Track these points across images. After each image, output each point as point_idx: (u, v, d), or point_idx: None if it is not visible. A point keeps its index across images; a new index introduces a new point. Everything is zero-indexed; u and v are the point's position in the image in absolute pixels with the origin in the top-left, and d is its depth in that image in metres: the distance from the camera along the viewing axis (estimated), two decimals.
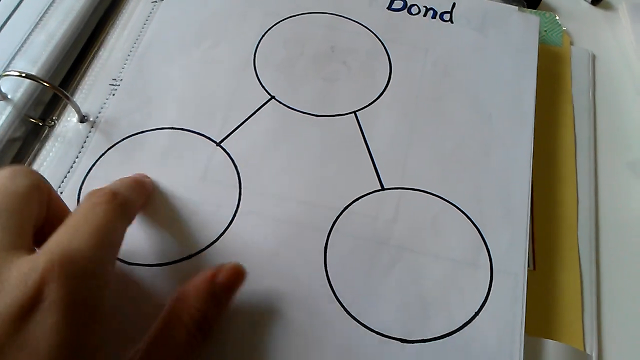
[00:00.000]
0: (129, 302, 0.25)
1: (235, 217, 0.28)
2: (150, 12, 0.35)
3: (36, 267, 0.16)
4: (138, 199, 0.25)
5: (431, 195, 0.29)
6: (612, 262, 0.30)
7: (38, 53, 0.32)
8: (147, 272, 0.26)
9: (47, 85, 0.29)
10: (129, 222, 0.23)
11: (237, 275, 0.24)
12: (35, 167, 0.29)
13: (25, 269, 0.16)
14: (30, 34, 0.32)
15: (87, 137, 0.30)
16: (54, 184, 0.28)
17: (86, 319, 0.17)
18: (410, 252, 0.27)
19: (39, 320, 0.15)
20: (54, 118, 0.31)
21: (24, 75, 0.28)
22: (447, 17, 0.36)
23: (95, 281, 0.17)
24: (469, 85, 0.33)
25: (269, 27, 0.35)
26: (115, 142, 0.30)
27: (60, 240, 0.18)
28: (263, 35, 0.35)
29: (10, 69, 0.31)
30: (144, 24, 0.34)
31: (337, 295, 0.26)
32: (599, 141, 0.34)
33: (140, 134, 0.30)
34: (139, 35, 0.34)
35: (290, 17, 0.35)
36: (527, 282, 0.27)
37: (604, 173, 0.33)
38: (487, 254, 0.27)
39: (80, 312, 0.16)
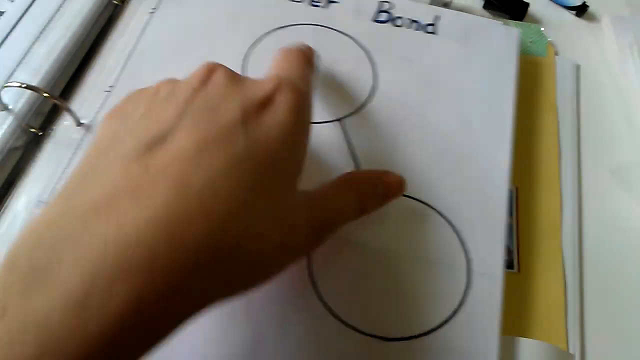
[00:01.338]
0: None
1: None
2: (146, 22, 0.37)
3: (270, 80, 0.22)
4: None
5: (412, 199, 0.31)
6: (595, 264, 0.31)
7: (39, 64, 0.34)
8: None
9: (47, 95, 0.31)
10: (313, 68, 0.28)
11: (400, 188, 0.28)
12: (32, 172, 0.31)
13: (262, 81, 0.22)
14: (31, 46, 0.35)
15: (82, 139, 0.32)
16: (48, 184, 0.30)
17: (303, 125, 0.22)
18: (390, 253, 0.29)
19: (272, 111, 0.20)
20: (53, 128, 0.33)
21: (24, 86, 0.31)
22: (431, 29, 0.38)
23: (310, 102, 0.23)
24: (452, 95, 0.35)
25: (257, 38, 0.37)
26: None
27: (279, 73, 0.24)
28: (252, 46, 0.37)
29: (11, 80, 0.33)
30: (140, 33, 0.37)
31: (321, 294, 0.27)
32: (583, 148, 0.36)
33: None
34: (134, 44, 0.36)
35: (279, 28, 0.38)
36: (512, 284, 0.28)
37: (587, 179, 0.35)
38: (465, 256, 0.29)
39: (301, 118, 0.21)
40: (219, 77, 0.22)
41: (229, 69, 0.23)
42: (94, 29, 0.37)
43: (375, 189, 0.27)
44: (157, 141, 0.18)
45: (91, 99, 0.34)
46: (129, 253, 0.15)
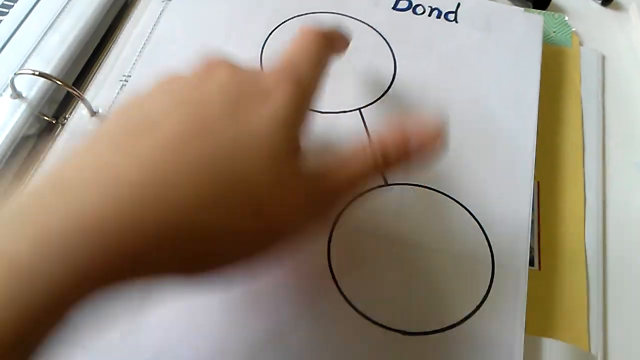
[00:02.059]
0: None
1: None
2: (160, 12, 0.37)
3: (272, 74, 0.23)
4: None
5: (433, 191, 0.30)
6: (619, 262, 0.31)
7: (52, 53, 0.34)
8: None
9: (60, 83, 0.31)
10: (334, 51, 0.28)
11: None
12: (46, 163, 0.31)
13: (262, 74, 0.23)
14: (44, 34, 0.35)
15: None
16: None
17: (299, 119, 0.22)
18: (413, 246, 0.29)
19: (268, 106, 0.21)
20: (66, 116, 0.33)
21: (37, 73, 0.31)
22: (451, 17, 0.38)
23: (310, 94, 0.24)
24: (473, 84, 0.35)
25: (275, 27, 0.37)
26: None
27: (289, 59, 0.24)
28: (270, 34, 0.36)
29: (24, 68, 0.33)
30: (154, 23, 0.37)
31: (340, 287, 0.27)
32: (608, 141, 0.35)
33: None
34: (149, 33, 0.36)
35: (296, 16, 0.37)
36: (533, 282, 0.28)
37: (612, 173, 0.34)
38: (489, 248, 0.29)
39: (297, 113, 0.22)
40: (218, 73, 0.22)
41: (229, 62, 0.23)
42: (107, 17, 0.37)
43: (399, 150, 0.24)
44: (146, 129, 0.19)
45: (106, 88, 0.34)
46: (98, 219, 0.17)
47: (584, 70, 0.38)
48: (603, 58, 0.39)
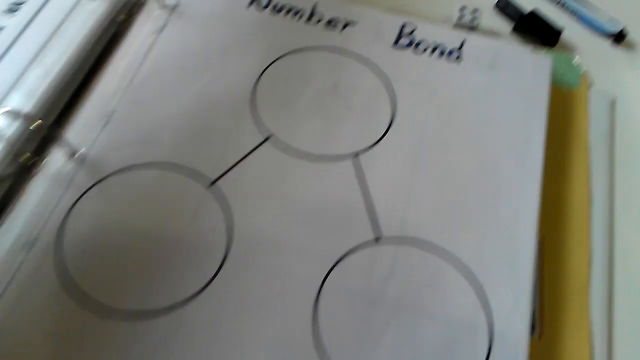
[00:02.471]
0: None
1: (224, 264, 0.28)
2: (151, 44, 0.36)
3: None
4: None
5: (430, 248, 0.29)
6: (626, 330, 0.29)
7: (34, 87, 0.32)
8: (124, 327, 0.26)
9: (39, 122, 0.30)
10: None
11: None
12: (20, 205, 0.29)
13: None
14: (28, 66, 0.33)
15: (75, 171, 0.30)
16: (36, 221, 0.28)
17: None
18: (406, 310, 0.27)
19: None
20: (45, 155, 0.31)
21: (15, 112, 0.29)
22: (455, 55, 0.36)
23: None
24: (475, 129, 0.33)
25: (270, 62, 0.35)
26: (102, 177, 0.30)
27: None
28: (264, 70, 0.35)
29: (4, 104, 0.32)
30: (144, 56, 0.35)
31: (328, 354, 0.26)
32: (616, 196, 0.34)
33: (129, 170, 0.31)
34: (138, 67, 0.35)
35: (293, 51, 0.36)
36: (535, 350, 0.26)
37: (620, 232, 0.32)
38: (487, 316, 0.27)
39: None
40: None
41: None
42: (95, 49, 0.36)
43: None
44: None
45: (88, 126, 0.32)
46: None
47: (593, 115, 0.37)
48: (613, 101, 0.38)
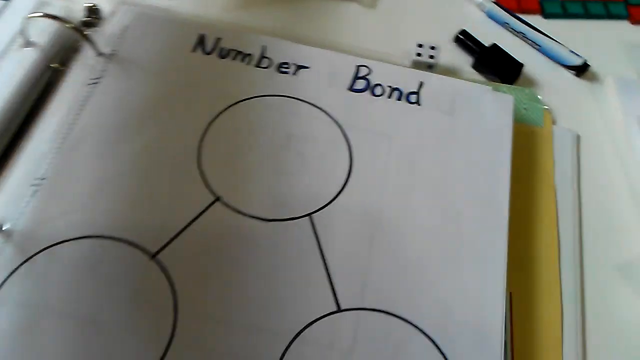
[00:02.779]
0: None
1: (169, 350, 0.25)
2: (86, 96, 0.33)
3: None
4: None
5: (394, 317, 0.27)
6: None
7: None
8: None
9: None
10: None
11: None
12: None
13: None
14: None
15: (0, 250, 0.27)
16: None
17: None
18: None
19: None
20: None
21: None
22: (413, 98, 0.35)
23: None
24: (437, 178, 0.32)
25: (218, 113, 0.33)
26: (31, 254, 0.27)
27: None
28: (211, 123, 0.33)
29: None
30: (78, 111, 0.32)
31: None
32: (585, 239, 0.33)
33: (62, 245, 0.28)
34: (70, 123, 0.32)
35: (242, 100, 0.34)
36: None
37: (590, 278, 0.31)
38: None
39: None
40: None
41: None
42: (25, 104, 0.33)
43: None
44: None
45: (15, 195, 0.29)
46: None
47: (557, 153, 0.36)
48: (578, 138, 0.37)
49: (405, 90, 0.35)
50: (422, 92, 0.35)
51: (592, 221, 0.33)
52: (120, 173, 0.30)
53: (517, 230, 0.31)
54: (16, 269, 0.27)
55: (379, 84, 0.35)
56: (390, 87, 0.35)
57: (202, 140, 0.32)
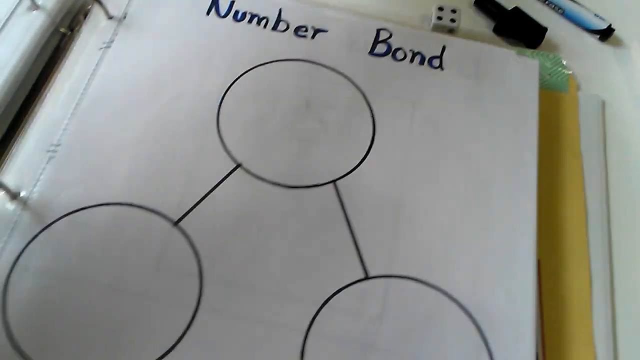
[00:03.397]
0: None
1: (196, 317, 0.25)
2: (98, 60, 0.32)
3: None
4: None
5: (423, 285, 0.27)
6: (632, 355, 0.28)
7: None
8: None
9: None
10: None
11: None
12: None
13: None
14: None
15: (17, 217, 0.27)
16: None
17: None
18: (402, 355, 0.25)
19: None
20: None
21: None
22: (436, 62, 0.34)
23: None
24: (464, 144, 0.31)
25: (236, 78, 0.32)
26: (50, 222, 0.27)
27: None
28: (229, 87, 0.32)
29: None
30: (90, 75, 0.32)
31: None
32: (612, 205, 0.32)
33: (80, 212, 0.27)
34: (83, 89, 0.31)
35: (261, 65, 0.33)
36: None
37: (619, 245, 0.31)
38: (489, 357, 0.25)
39: None
40: None
41: None
42: (35, 69, 0.32)
43: None
44: None
45: (30, 160, 0.29)
46: None
47: (583, 119, 0.35)
48: (603, 104, 0.36)
49: (428, 55, 0.34)
50: (445, 57, 0.34)
51: (619, 187, 0.33)
52: (137, 140, 0.30)
53: (544, 197, 0.31)
54: (35, 236, 0.27)
55: (400, 48, 0.34)
56: (412, 51, 0.34)
57: (220, 106, 0.31)
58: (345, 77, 0.33)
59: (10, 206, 0.27)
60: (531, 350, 0.26)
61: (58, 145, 0.29)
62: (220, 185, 0.29)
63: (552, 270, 0.30)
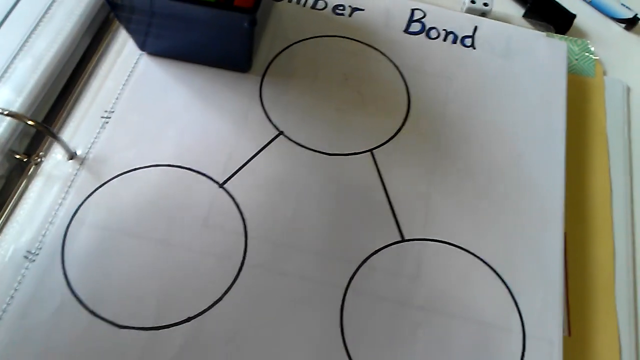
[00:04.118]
0: None
1: (241, 271, 0.27)
2: None
3: None
4: None
5: (456, 248, 0.28)
6: None
7: (24, 80, 0.30)
8: (141, 337, 0.25)
9: (32, 123, 0.28)
10: None
11: None
12: (19, 208, 0.28)
13: None
14: (15, 57, 0.31)
15: (75, 175, 0.29)
16: (37, 226, 0.27)
17: None
18: (435, 313, 0.26)
19: None
20: (40, 154, 0.29)
21: (6, 113, 0.27)
22: (468, 41, 0.36)
23: None
24: (495, 118, 0.33)
25: (277, 52, 0.34)
26: (105, 180, 0.29)
27: None
28: (272, 61, 0.34)
29: None
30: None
31: (352, 358, 0.25)
32: (636, 183, 0.34)
33: (134, 171, 0.29)
34: (135, 62, 0.33)
35: (300, 41, 0.35)
36: (562, 350, 0.26)
37: None
38: (519, 317, 0.27)
39: None
40: None
41: None
42: (85, 38, 0.34)
43: None
44: None
45: (85, 125, 0.30)
46: None
47: (609, 104, 0.36)
48: (627, 89, 0.38)
49: (460, 34, 0.36)
50: (477, 36, 0.36)
51: None
52: (185, 108, 0.31)
53: (571, 175, 0.32)
54: (91, 193, 0.28)
55: (434, 27, 0.36)
56: (445, 30, 0.36)
57: (262, 78, 0.33)
58: (381, 53, 0.35)
59: (69, 165, 0.29)
60: (559, 315, 0.27)
61: (112, 111, 0.31)
62: (263, 151, 0.30)
63: (577, 243, 0.31)
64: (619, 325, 0.29)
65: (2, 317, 0.25)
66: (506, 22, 0.39)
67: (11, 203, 0.28)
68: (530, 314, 0.27)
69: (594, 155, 0.34)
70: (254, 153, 0.30)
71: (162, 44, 0.32)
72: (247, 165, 0.30)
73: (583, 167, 0.34)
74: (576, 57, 0.38)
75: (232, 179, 0.29)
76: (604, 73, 0.38)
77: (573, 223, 0.31)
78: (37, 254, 0.26)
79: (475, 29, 0.36)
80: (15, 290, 0.25)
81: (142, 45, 0.32)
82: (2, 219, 0.28)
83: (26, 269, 0.26)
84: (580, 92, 0.37)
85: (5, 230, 0.27)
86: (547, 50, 0.36)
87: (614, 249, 0.31)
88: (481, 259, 0.28)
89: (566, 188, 0.31)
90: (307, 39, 0.35)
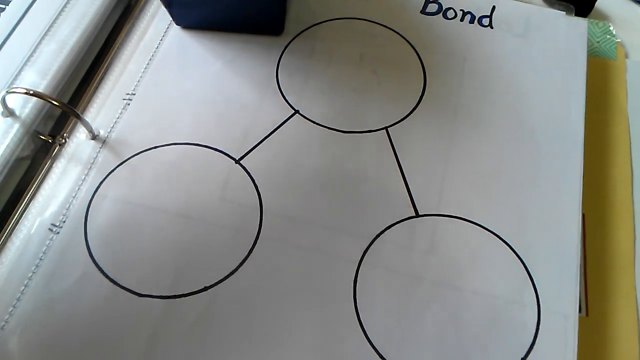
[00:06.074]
0: (142, 337, 0.25)
1: (257, 244, 0.28)
2: (170, 20, 0.35)
3: None
4: None
5: (470, 224, 0.29)
6: None
7: (48, 64, 0.32)
8: (160, 304, 0.26)
9: (57, 104, 0.29)
10: None
11: None
12: (44, 186, 0.29)
13: None
14: (40, 41, 0.33)
15: (97, 153, 0.30)
16: (62, 201, 0.28)
17: None
18: (448, 287, 0.27)
19: None
20: (64, 135, 0.31)
21: (31, 92, 0.29)
22: (486, 21, 0.36)
23: None
24: (511, 98, 0.33)
25: (294, 35, 0.35)
26: (126, 158, 0.30)
27: None
28: (289, 44, 0.34)
29: (17, 85, 0.31)
30: (163, 34, 0.35)
31: (368, 335, 0.26)
32: None
33: (153, 150, 0.30)
34: (156, 46, 0.34)
35: (317, 24, 0.35)
36: (580, 330, 0.26)
37: None
38: (533, 291, 0.27)
39: None
40: None
41: None
42: (109, 23, 0.35)
43: None
44: None
45: (107, 107, 0.32)
46: None
47: (630, 85, 0.36)
48: None
49: (478, 14, 0.36)
50: (495, 16, 0.36)
51: None
52: (203, 90, 0.32)
53: (591, 155, 0.32)
54: (112, 170, 0.29)
55: (451, 8, 0.36)
56: (462, 10, 0.36)
57: (279, 59, 0.34)
58: (398, 33, 0.35)
59: (91, 145, 0.30)
60: (575, 289, 0.27)
61: (133, 94, 0.32)
62: (279, 129, 0.31)
63: (596, 224, 0.31)
64: (638, 307, 0.29)
65: (28, 284, 0.26)
66: (526, 2, 0.39)
67: (37, 181, 0.29)
68: (546, 288, 0.27)
69: (615, 136, 0.34)
70: (270, 131, 0.31)
71: (198, 13, 0.33)
72: (263, 142, 0.31)
73: (604, 148, 0.33)
74: (598, 40, 0.38)
75: (248, 155, 0.30)
76: (626, 56, 0.38)
77: (592, 204, 0.31)
78: (61, 227, 0.28)
79: (493, 8, 0.36)
80: (40, 260, 0.27)
81: (179, 19, 0.34)
82: (28, 196, 0.29)
83: (51, 240, 0.27)
84: (601, 75, 0.36)
85: (31, 205, 0.28)
86: (567, 29, 0.36)
87: (634, 231, 0.31)
88: (496, 234, 0.28)
89: (586, 169, 0.31)
90: (323, 21, 0.35)
